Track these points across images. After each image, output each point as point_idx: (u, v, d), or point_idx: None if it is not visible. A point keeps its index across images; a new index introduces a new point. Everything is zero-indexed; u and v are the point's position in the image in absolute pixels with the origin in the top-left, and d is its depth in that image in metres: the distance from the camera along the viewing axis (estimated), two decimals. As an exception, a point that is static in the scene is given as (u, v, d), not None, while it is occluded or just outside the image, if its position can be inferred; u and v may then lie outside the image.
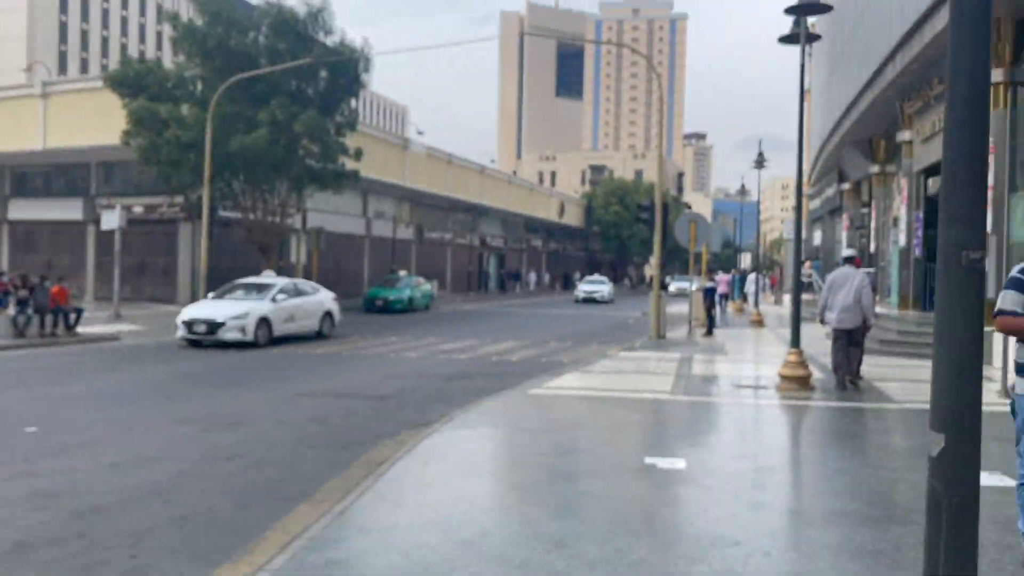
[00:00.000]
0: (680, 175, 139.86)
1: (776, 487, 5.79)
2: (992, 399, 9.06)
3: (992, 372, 9.92)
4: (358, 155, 24.78)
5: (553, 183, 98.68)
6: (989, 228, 13.24)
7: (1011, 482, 5.00)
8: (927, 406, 2.55)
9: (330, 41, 24.09)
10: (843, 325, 10.17)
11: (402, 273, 32.12)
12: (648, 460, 6.22)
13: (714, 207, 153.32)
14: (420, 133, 45.63)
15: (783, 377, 10.35)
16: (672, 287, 40.76)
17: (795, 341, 10.46)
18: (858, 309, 10.07)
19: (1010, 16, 12.64)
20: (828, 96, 28.08)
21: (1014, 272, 4.07)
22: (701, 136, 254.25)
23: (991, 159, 13.16)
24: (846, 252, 11.13)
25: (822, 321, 10.61)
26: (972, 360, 2.49)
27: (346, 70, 23.96)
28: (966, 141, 2.48)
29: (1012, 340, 4.29)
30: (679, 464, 6.10)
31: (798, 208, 12.27)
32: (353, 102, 25.45)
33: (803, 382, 10.23)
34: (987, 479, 5.14)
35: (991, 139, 14.14)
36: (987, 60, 2.53)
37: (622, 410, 8.75)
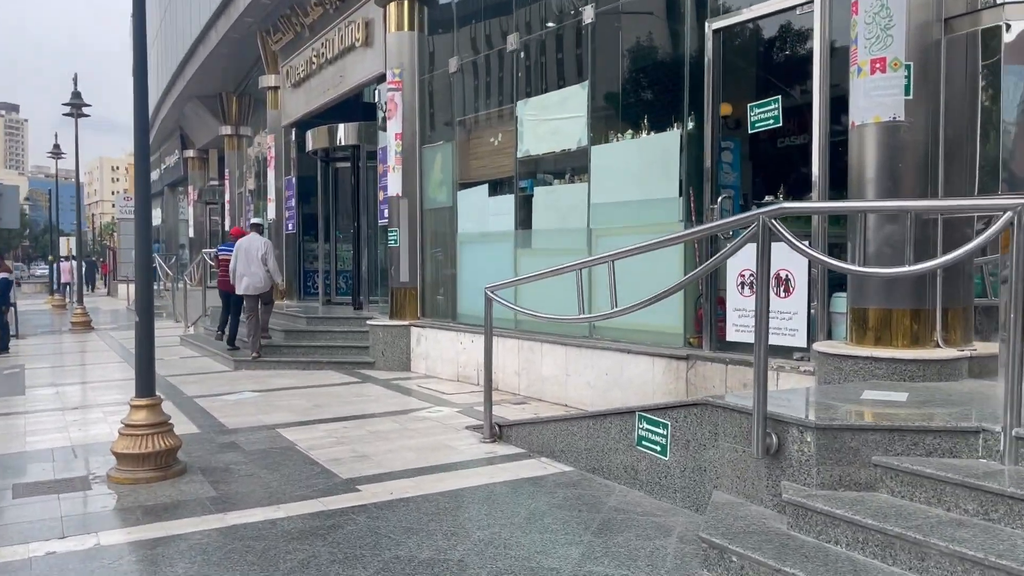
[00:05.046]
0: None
1: None
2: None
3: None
4: None
5: None
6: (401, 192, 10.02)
7: None
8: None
9: None
10: (248, 291, 10.43)
11: None
12: None
13: (31, 187, 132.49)
14: None
15: (121, 457, 5.18)
16: None
17: (146, 384, 5.32)
18: (264, 274, 10.47)
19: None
20: (166, 41, 22.80)
21: None
22: (13, 107, 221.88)
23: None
24: (253, 220, 11.64)
25: (232, 291, 10.83)
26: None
27: None
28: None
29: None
30: None
31: (144, 178, 6.89)
32: None
33: (163, 460, 5.22)
34: None
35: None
36: None
37: None
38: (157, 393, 5.41)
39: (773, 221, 3.72)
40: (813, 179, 5.47)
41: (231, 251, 10.94)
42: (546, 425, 5.55)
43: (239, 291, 10.51)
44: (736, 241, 3.89)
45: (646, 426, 4.61)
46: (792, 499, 3.53)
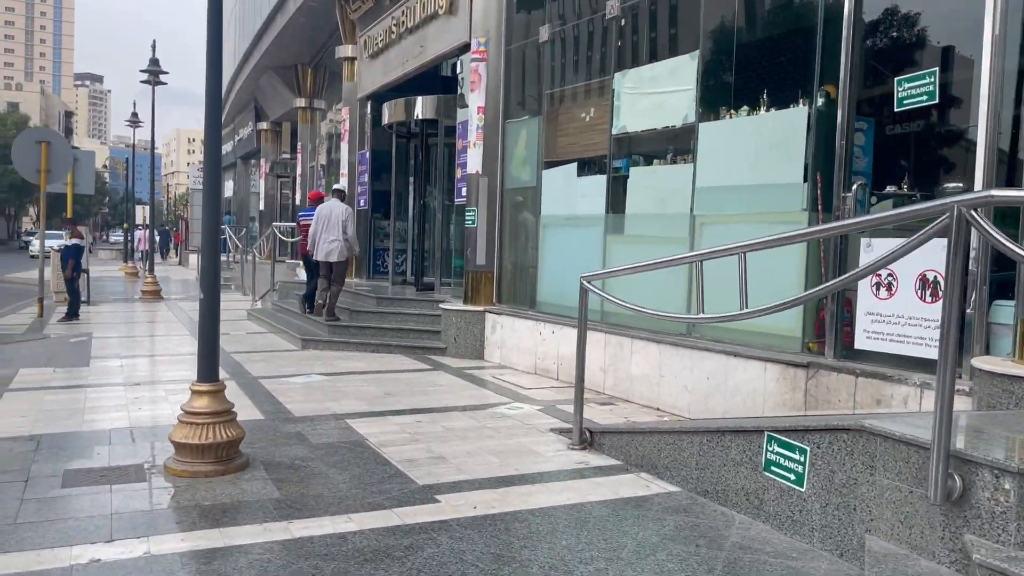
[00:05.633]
0: (69, 114, 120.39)
1: None
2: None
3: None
4: None
5: None
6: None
7: None
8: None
9: None
10: (329, 258, 10.31)
11: None
12: None
13: (111, 155, 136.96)
14: None
15: (179, 447, 4.72)
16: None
17: (208, 368, 4.86)
18: (343, 241, 10.31)
19: None
20: (243, 11, 22.64)
21: None
22: (97, 78, 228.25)
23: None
24: (336, 186, 11.98)
25: (311, 256, 10.69)
26: None
27: None
28: None
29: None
30: None
31: (214, 140, 6.37)
32: None
33: (225, 453, 4.75)
34: None
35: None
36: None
37: None
38: (220, 378, 4.95)
39: (973, 212, 2.99)
40: (978, 165, 4.65)
41: (311, 216, 10.85)
42: (648, 436, 4.89)
43: (317, 257, 10.43)
44: (919, 235, 3.16)
45: (777, 449, 3.92)
46: (987, 562, 2.81)
